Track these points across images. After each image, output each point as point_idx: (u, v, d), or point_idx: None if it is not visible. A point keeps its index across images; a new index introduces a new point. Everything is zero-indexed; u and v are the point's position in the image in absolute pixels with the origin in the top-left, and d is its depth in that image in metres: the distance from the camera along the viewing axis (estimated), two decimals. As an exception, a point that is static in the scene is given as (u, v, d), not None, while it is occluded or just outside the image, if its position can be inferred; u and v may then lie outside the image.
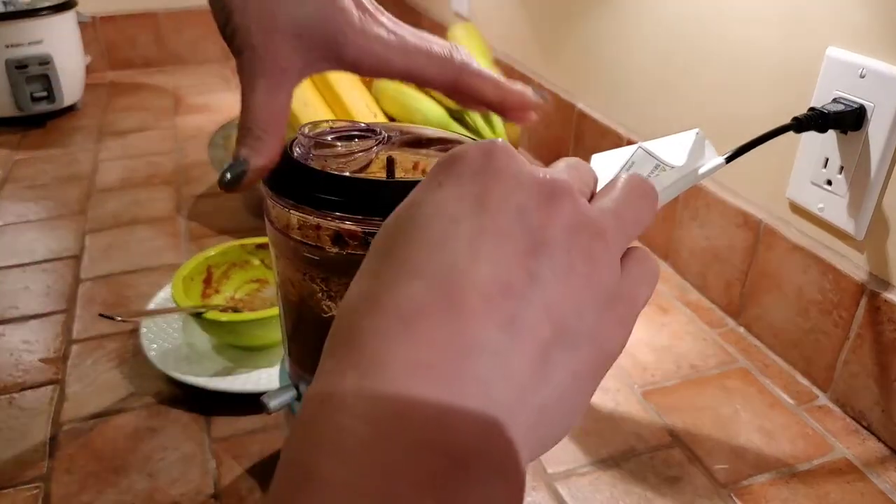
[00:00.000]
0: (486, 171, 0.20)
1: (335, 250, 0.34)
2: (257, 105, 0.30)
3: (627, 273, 0.22)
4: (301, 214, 0.34)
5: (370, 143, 0.37)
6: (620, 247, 0.22)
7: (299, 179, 0.34)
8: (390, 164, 0.37)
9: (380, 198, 0.32)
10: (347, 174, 0.35)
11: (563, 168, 0.23)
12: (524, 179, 0.20)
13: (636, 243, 0.24)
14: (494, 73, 0.34)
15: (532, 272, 0.19)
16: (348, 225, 0.34)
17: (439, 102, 0.90)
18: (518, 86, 0.34)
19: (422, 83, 0.34)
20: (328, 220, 0.34)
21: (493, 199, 0.19)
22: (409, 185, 0.32)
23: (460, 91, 0.34)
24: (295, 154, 0.36)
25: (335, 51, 0.32)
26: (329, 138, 0.38)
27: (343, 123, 0.39)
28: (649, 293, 0.23)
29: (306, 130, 0.37)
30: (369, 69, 0.33)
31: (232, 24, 0.31)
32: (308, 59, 0.32)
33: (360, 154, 0.37)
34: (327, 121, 0.40)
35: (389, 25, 0.33)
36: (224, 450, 0.57)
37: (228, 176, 0.31)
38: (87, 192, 1.02)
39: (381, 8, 0.34)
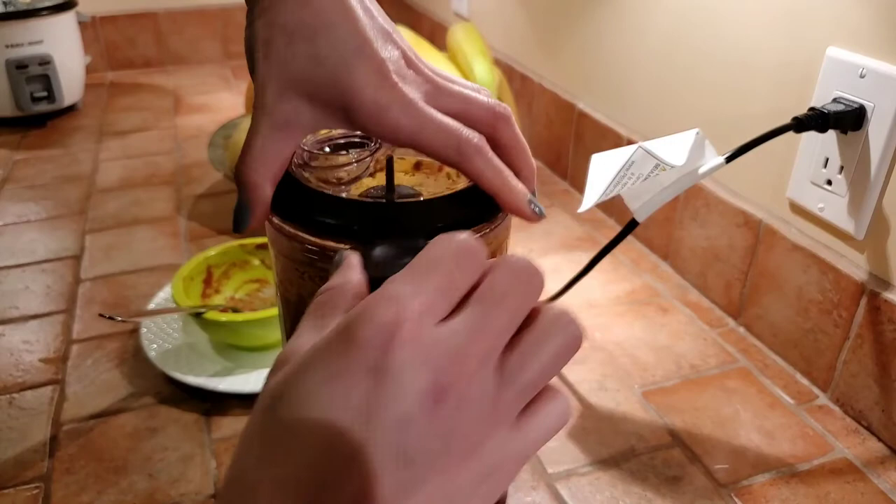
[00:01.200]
0: (377, 371, 0.20)
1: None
2: (257, 149, 0.33)
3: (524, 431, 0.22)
4: (300, 235, 0.34)
5: (365, 152, 0.38)
6: (515, 412, 0.22)
7: (297, 199, 0.34)
8: (389, 165, 0.37)
9: (377, 222, 0.32)
10: (343, 196, 0.35)
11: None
12: (415, 379, 0.20)
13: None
14: (504, 172, 0.33)
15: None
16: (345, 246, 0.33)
17: None
18: (519, 190, 0.33)
19: (428, 155, 0.34)
20: (324, 241, 0.34)
21: (379, 409, 0.19)
22: (408, 206, 0.32)
23: (464, 172, 0.33)
24: (293, 166, 0.36)
25: (345, 113, 0.33)
26: (326, 149, 0.38)
27: (339, 133, 0.39)
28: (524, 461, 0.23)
29: (304, 142, 0.37)
30: (377, 135, 0.34)
31: (256, 74, 0.33)
32: (317, 117, 0.33)
33: (357, 163, 0.37)
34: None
35: (408, 96, 0.32)
36: (224, 450, 0.57)
37: (236, 223, 0.34)
38: (87, 192, 1.02)
39: (410, 58, 0.34)
